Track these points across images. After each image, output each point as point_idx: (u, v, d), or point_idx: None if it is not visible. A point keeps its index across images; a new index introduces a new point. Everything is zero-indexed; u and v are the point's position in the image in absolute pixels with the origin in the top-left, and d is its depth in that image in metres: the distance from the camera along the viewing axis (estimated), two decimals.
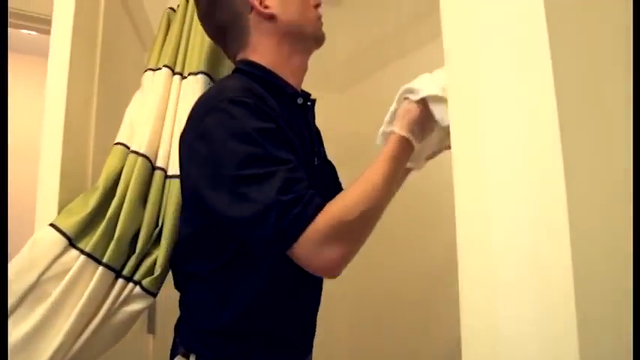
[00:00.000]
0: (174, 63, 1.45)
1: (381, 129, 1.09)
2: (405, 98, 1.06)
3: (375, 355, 2.23)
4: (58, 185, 1.23)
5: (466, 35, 0.81)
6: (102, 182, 1.25)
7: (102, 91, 1.44)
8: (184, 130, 1.11)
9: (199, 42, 1.45)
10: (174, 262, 1.24)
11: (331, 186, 1.35)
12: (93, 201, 1.22)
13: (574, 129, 0.69)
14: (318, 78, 1.48)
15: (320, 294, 1.27)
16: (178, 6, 1.57)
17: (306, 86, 1.31)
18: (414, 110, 1.03)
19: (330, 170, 1.38)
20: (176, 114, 1.38)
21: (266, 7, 1.17)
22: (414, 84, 1.05)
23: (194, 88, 1.38)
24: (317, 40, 1.25)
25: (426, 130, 1.05)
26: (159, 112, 1.36)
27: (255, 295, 1.10)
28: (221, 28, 1.23)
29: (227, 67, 1.44)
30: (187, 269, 1.19)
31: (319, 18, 1.24)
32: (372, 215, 0.97)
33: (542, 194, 0.68)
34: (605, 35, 0.80)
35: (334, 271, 0.95)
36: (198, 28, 1.45)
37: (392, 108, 1.09)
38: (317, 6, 1.24)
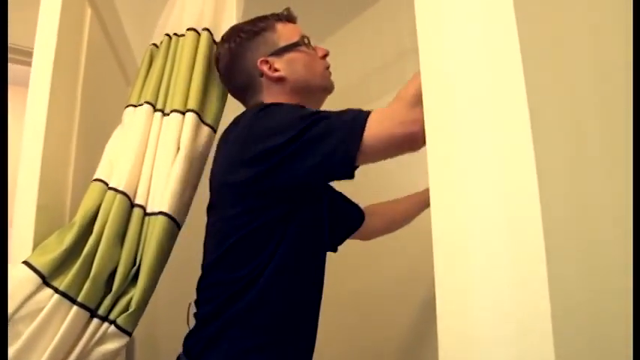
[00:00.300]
0: (156, 99, 1.44)
1: None
2: None
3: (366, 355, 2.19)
4: (34, 221, 1.21)
5: (439, 37, 0.85)
6: (79, 219, 1.24)
7: (82, 126, 1.43)
8: (232, 132, 1.20)
9: (183, 78, 1.44)
10: (209, 274, 1.21)
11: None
12: (69, 238, 1.20)
13: (546, 130, 0.71)
14: None
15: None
16: (161, 42, 1.57)
17: None
18: None
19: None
20: (156, 151, 1.36)
21: (275, 70, 1.28)
22: None
23: (180, 126, 1.37)
24: (326, 89, 1.35)
25: None
26: (139, 149, 1.35)
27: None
28: (238, 89, 1.36)
29: (213, 108, 1.44)
30: (228, 277, 1.16)
31: (327, 68, 1.35)
32: None
33: (515, 193, 0.70)
34: (574, 34, 0.84)
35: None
36: (181, 65, 1.45)
37: None
38: (324, 57, 1.35)
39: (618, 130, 0.83)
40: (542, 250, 0.66)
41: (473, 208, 0.75)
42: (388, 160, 1.12)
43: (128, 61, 1.80)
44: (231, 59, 1.34)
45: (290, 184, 1.11)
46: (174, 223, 1.30)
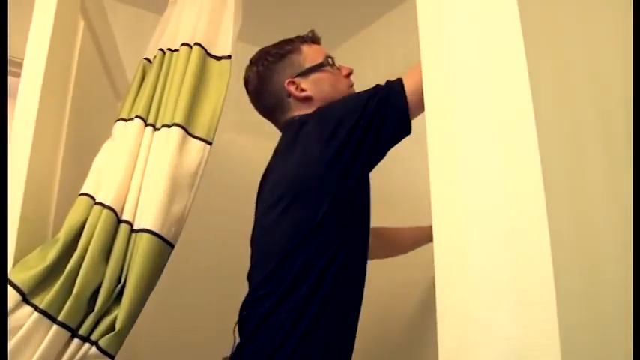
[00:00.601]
0: (147, 114, 1.42)
1: None
2: None
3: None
4: (16, 234, 1.17)
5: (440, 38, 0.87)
6: (63, 234, 1.20)
7: (70, 139, 1.40)
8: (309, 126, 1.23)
9: (175, 94, 1.42)
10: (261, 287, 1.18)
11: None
12: (52, 254, 1.16)
13: (550, 132, 0.71)
14: None
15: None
16: (155, 57, 1.55)
17: None
18: None
19: None
20: (146, 166, 1.33)
21: (302, 89, 1.36)
22: None
23: (167, 141, 1.35)
24: None
25: None
26: (128, 164, 1.32)
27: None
28: (268, 109, 1.42)
29: (204, 121, 1.42)
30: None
31: (351, 86, 1.43)
32: None
33: (519, 199, 0.70)
34: (575, 36, 0.84)
35: None
36: (174, 80, 1.44)
37: None
38: (348, 75, 1.43)
39: (618, 132, 0.83)
40: (549, 258, 0.65)
41: (474, 216, 0.75)
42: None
43: (119, 75, 1.78)
44: (260, 81, 1.41)
45: (367, 159, 1.18)
46: (162, 240, 1.26)
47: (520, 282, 0.67)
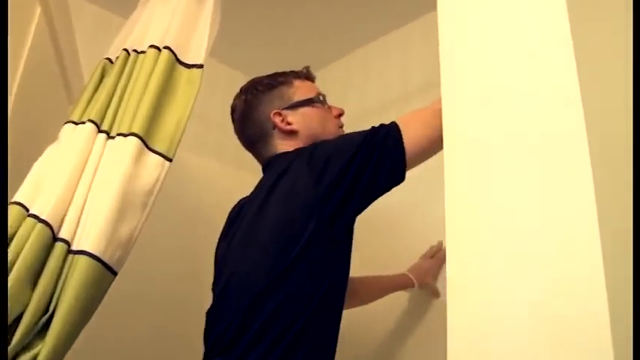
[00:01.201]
0: (102, 119, 1.28)
1: None
2: None
3: None
4: None
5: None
6: None
7: (10, 137, 1.22)
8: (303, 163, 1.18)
9: (136, 100, 1.29)
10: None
11: None
12: None
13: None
14: None
15: None
16: (117, 57, 1.42)
17: None
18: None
19: None
20: (94, 178, 1.19)
21: (288, 123, 1.32)
22: None
23: (121, 151, 1.21)
24: None
25: None
26: (73, 173, 1.17)
27: None
28: (251, 140, 1.38)
29: (165, 134, 1.29)
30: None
31: (341, 127, 1.39)
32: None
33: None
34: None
35: None
36: (137, 85, 1.31)
37: None
38: (339, 116, 1.40)
39: None
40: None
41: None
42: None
43: (74, 72, 1.61)
44: (246, 110, 1.38)
45: (359, 201, 1.14)
46: (103, 266, 1.10)
47: None
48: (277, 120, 1.32)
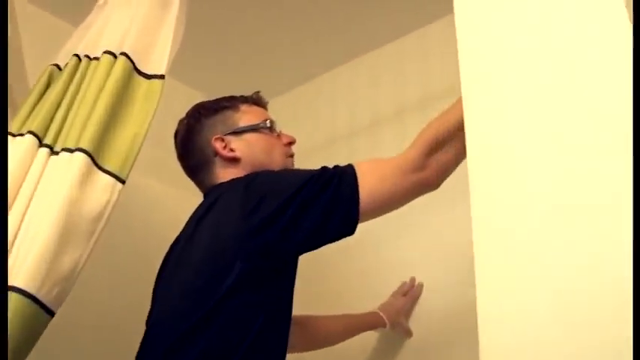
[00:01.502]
0: (45, 132, 1.18)
1: None
2: None
3: None
4: None
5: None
6: None
7: None
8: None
9: (86, 111, 1.17)
10: None
11: None
12: None
13: None
14: None
15: None
16: (67, 64, 1.30)
17: None
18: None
19: None
20: (32, 199, 1.07)
21: (231, 150, 1.24)
22: None
23: (66, 169, 1.09)
24: None
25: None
26: (7, 193, 1.05)
27: None
28: (192, 168, 1.30)
29: (118, 151, 1.18)
30: None
31: (290, 155, 1.32)
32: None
33: None
34: None
35: None
36: (88, 94, 1.21)
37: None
38: (289, 144, 1.32)
39: None
40: None
41: None
42: None
43: (17, 77, 1.45)
44: (187, 135, 1.30)
45: (290, 250, 1.09)
46: (38, 305, 0.97)
47: None
48: (218, 146, 1.24)
